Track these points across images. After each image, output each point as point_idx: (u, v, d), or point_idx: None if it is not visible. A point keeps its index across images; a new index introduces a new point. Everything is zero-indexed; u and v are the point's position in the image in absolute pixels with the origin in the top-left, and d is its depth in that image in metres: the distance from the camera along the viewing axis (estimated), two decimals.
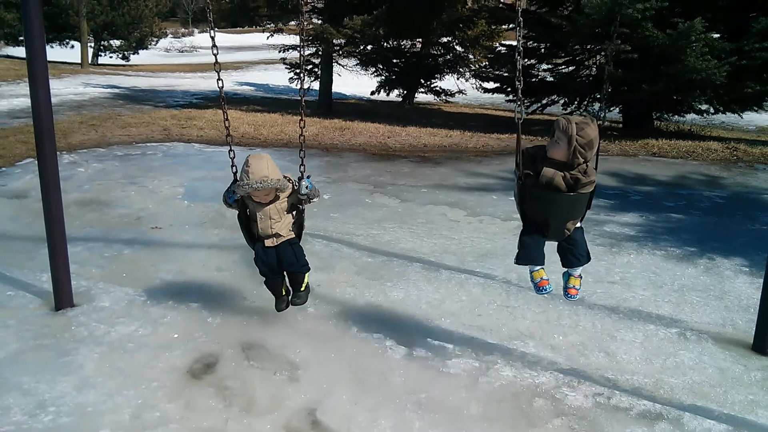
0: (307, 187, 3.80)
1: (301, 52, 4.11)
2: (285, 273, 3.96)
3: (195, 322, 4.23)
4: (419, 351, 3.94)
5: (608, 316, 4.48)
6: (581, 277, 3.62)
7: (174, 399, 3.39)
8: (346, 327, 4.24)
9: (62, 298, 4.36)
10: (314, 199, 3.91)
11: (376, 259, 5.46)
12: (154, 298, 4.55)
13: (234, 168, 3.88)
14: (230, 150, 3.93)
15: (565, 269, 3.60)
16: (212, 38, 3.85)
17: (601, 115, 3.91)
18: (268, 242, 3.84)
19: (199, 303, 4.46)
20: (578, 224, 3.50)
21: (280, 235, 3.85)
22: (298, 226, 3.98)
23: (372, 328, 4.22)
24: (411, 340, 4.08)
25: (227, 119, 3.97)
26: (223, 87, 3.99)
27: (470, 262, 5.43)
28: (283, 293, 4.02)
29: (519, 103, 3.52)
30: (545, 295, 3.61)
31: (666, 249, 5.87)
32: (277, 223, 3.82)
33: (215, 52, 3.87)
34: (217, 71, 3.92)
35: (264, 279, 3.95)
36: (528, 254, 3.45)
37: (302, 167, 3.86)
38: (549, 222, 3.40)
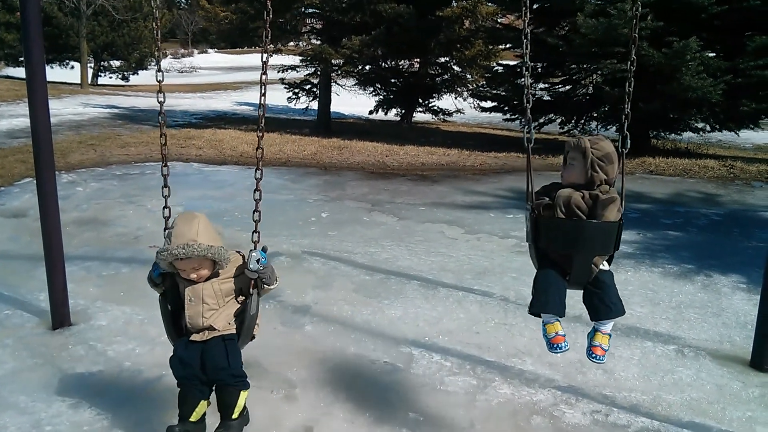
0: (258, 261, 2.74)
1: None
2: (214, 389, 2.90)
3: None
4: (416, 369, 3.94)
5: None
6: (611, 336, 2.95)
7: (171, 418, 3.36)
8: (343, 345, 4.23)
9: (59, 317, 4.36)
10: (269, 286, 2.85)
11: (373, 277, 5.46)
12: (151, 317, 4.53)
13: (166, 230, 2.89)
14: (165, 207, 3.11)
15: (593, 323, 2.95)
16: None
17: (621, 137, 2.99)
18: (195, 336, 2.84)
19: None
20: (607, 266, 2.95)
21: (214, 329, 2.82)
22: (242, 320, 2.89)
23: (369, 346, 4.21)
24: (408, 358, 4.07)
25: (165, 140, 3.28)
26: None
27: (468, 280, 5.43)
28: (193, 418, 2.86)
29: (527, 123, 2.98)
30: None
31: (663, 266, 5.88)
32: (212, 311, 2.81)
33: None
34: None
35: (179, 389, 2.91)
36: (543, 298, 2.84)
37: (256, 234, 2.86)
38: (572, 258, 2.83)
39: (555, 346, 2.86)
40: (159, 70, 3.15)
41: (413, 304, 4.91)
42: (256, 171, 2.97)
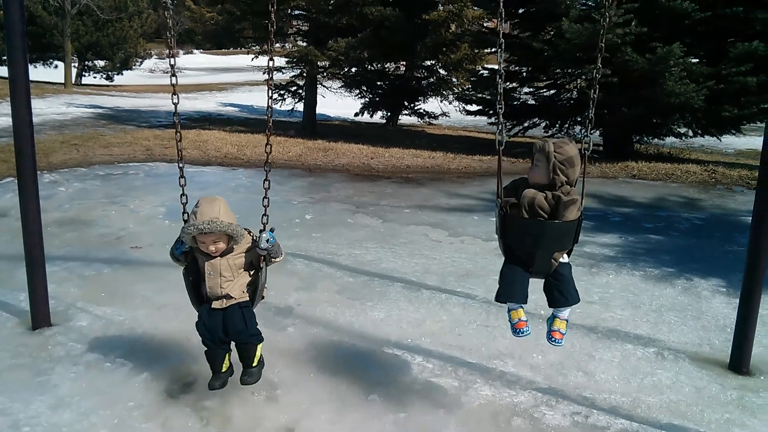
0: (267, 241, 3.26)
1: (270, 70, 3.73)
2: (234, 344, 3.41)
3: (173, 342, 4.20)
4: (399, 370, 3.94)
5: (587, 335, 4.50)
6: (568, 321, 3.32)
7: (151, 419, 3.36)
8: (326, 347, 4.23)
9: (39, 317, 4.32)
10: (276, 259, 3.38)
11: (357, 279, 5.46)
12: (132, 318, 4.52)
13: (185, 215, 3.42)
14: (183, 195, 3.58)
15: (552, 310, 3.31)
16: None
17: (585, 140, 3.23)
18: (215, 304, 3.32)
19: (178, 323, 4.42)
20: (566, 259, 3.25)
21: (231, 297, 3.31)
22: (254, 288, 3.42)
23: (352, 348, 4.22)
24: (391, 359, 4.08)
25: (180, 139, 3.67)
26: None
27: (451, 282, 5.45)
28: (224, 369, 3.42)
29: (500, 126, 3.19)
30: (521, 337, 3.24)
31: (644, 270, 5.92)
32: (229, 282, 3.29)
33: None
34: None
35: (205, 349, 3.41)
36: (509, 290, 3.17)
37: (265, 217, 3.40)
38: (534, 254, 3.12)
39: (518, 330, 3.23)
40: (173, 74, 3.48)
41: (396, 306, 4.92)
42: (265, 164, 3.61)
